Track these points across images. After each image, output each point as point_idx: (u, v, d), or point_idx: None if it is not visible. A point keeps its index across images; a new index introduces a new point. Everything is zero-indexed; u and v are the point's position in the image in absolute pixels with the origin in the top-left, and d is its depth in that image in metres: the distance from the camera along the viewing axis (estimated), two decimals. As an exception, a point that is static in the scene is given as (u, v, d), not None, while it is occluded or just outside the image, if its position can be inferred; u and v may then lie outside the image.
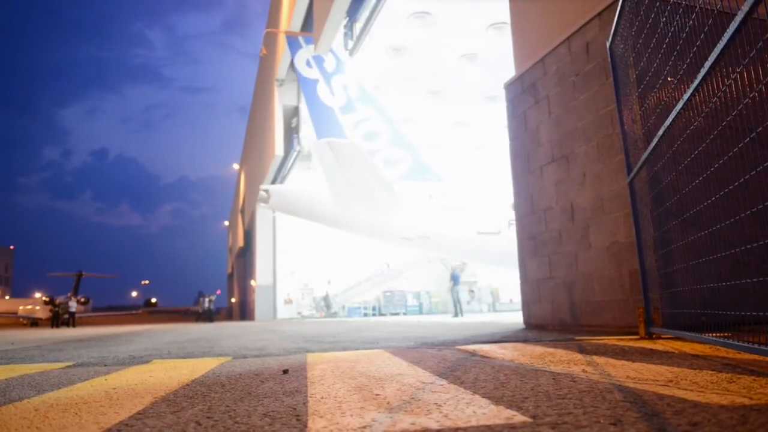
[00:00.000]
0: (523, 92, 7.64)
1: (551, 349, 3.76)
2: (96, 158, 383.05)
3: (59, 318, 29.66)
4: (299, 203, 17.64)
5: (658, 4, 3.58)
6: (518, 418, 1.56)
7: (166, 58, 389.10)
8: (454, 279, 17.78)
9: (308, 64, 17.21)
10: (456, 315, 16.89)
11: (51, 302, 35.80)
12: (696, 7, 2.86)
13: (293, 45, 17.66)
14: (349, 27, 16.36)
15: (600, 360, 3.01)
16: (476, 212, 16.90)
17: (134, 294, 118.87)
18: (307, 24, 20.80)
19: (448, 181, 17.78)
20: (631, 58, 4.40)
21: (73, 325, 27.55)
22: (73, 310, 29.47)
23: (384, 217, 16.46)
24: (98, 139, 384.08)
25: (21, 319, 43.94)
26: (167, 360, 4.24)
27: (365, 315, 25.46)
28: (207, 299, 34.69)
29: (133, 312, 66.17)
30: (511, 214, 17.11)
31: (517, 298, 8.28)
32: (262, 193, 17.20)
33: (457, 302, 17.38)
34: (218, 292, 46.70)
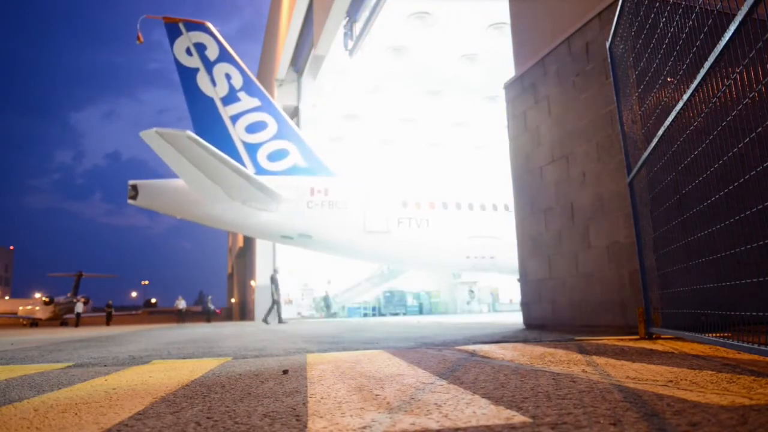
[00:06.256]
0: (523, 92, 7.64)
1: (551, 350, 3.76)
2: (109, 161, 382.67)
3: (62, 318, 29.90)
4: (171, 201, 15.62)
5: (657, 4, 3.58)
6: (518, 418, 1.56)
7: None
8: (273, 282, 16.49)
9: (188, 52, 16.02)
10: (266, 320, 15.84)
11: (51, 302, 35.92)
12: (696, 7, 2.86)
13: (172, 32, 16.12)
14: (349, 27, 16.37)
15: (600, 360, 3.01)
16: (363, 209, 15.83)
17: (134, 294, 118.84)
18: (307, 24, 20.81)
19: (339, 176, 16.60)
20: (631, 59, 4.40)
21: (76, 325, 27.67)
22: (79, 311, 29.75)
23: (252, 213, 15.08)
24: (111, 142, 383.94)
25: (21, 320, 43.92)
26: (167, 360, 4.24)
27: (365, 315, 25.45)
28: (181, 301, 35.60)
29: (133, 312, 66.06)
30: (401, 212, 16.38)
31: (517, 299, 8.28)
32: (129, 189, 15.22)
33: (274, 305, 16.17)
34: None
